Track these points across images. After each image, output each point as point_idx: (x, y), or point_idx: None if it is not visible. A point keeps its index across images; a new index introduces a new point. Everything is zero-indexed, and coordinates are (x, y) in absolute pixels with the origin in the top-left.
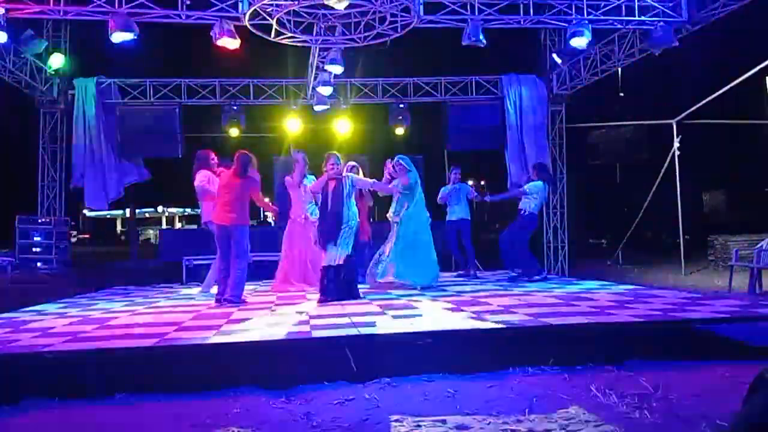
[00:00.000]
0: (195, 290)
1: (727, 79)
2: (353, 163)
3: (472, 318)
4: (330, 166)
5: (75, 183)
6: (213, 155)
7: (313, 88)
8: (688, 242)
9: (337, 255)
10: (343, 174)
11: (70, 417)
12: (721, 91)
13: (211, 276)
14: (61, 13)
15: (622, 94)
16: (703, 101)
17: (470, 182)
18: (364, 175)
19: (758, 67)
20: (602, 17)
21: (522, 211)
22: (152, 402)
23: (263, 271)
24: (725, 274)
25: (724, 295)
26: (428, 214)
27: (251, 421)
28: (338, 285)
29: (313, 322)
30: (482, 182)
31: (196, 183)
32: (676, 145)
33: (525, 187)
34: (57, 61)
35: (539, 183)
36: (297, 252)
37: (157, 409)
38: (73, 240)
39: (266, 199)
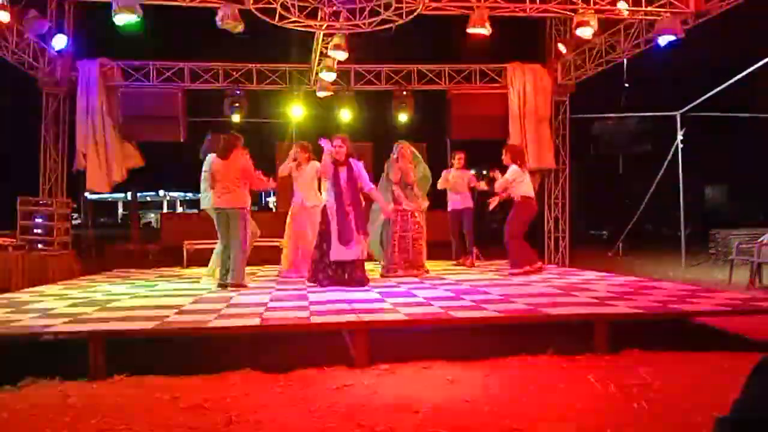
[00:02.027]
0: (201, 274)
1: (733, 71)
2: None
3: (471, 307)
4: (335, 148)
5: (77, 166)
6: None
7: (317, 74)
8: (689, 235)
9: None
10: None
11: (69, 398)
12: (726, 84)
13: (213, 263)
14: None
15: (627, 85)
16: (708, 94)
17: (472, 171)
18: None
19: (764, 61)
20: (608, 7)
21: (515, 198)
22: (151, 384)
23: (264, 256)
24: (726, 267)
25: (724, 289)
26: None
27: (249, 404)
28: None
29: (312, 308)
30: (487, 173)
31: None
32: (680, 137)
33: (502, 179)
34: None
35: (513, 167)
36: (298, 239)
37: (156, 391)
38: (75, 222)
39: (261, 176)
